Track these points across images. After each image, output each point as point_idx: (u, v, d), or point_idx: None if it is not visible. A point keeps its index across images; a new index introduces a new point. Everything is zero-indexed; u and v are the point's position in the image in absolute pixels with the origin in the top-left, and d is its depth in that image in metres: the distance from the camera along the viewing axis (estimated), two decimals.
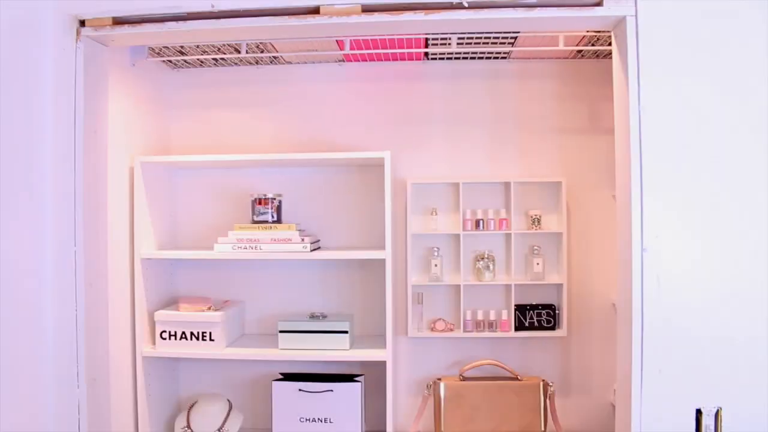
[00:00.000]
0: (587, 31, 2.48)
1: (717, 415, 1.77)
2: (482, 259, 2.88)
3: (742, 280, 1.79)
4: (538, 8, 1.84)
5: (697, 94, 1.79)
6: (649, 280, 1.78)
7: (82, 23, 1.99)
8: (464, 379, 2.81)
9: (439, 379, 2.81)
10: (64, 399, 1.95)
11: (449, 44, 2.67)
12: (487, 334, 2.86)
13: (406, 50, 2.76)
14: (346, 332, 2.65)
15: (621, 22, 1.85)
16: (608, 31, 2.02)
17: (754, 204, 1.79)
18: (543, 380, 2.78)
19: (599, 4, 1.83)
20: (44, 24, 1.95)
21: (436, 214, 2.90)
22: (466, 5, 1.85)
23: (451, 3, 1.85)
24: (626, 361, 1.84)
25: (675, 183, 1.79)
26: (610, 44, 2.30)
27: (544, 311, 2.85)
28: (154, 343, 2.69)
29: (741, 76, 1.79)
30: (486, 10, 1.85)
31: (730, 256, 1.79)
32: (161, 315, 2.65)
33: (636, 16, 1.80)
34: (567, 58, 2.89)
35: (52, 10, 1.97)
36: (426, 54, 2.86)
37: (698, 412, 1.78)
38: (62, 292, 1.96)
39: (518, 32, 2.51)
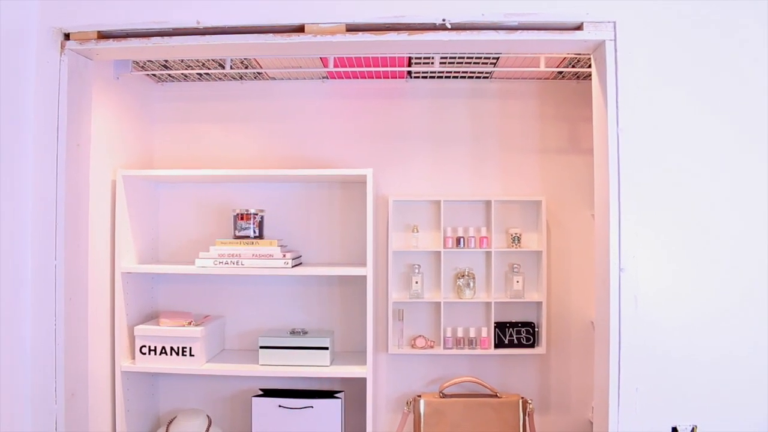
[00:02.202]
0: (568, 53, 2.53)
1: None
2: (463, 276, 2.90)
3: (718, 301, 1.82)
4: (519, 31, 1.88)
5: (674, 117, 1.83)
6: (627, 300, 1.81)
7: (67, 36, 1.99)
8: (444, 396, 2.81)
9: (419, 396, 2.81)
10: (41, 414, 1.93)
11: (432, 63, 2.70)
12: (467, 351, 2.87)
13: (389, 68, 2.79)
14: (326, 348, 2.65)
15: (600, 46, 1.89)
16: (588, 54, 2.05)
17: (730, 227, 1.82)
18: (522, 397, 2.80)
19: (579, 29, 1.87)
20: (28, 36, 1.95)
21: (418, 231, 2.92)
22: (449, 27, 1.88)
23: (435, 24, 1.88)
24: (604, 379, 1.86)
25: (652, 205, 1.83)
26: (590, 66, 2.34)
27: (523, 329, 2.87)
28: (133, 357, 2.67)
29: (719, 100, 1.83)
30: (468, 31, 1.88)
31: (706, 278, 1.82)
32: (141, 329, 2.64)
33: (615, 40, 1.84)
34: (548, 78, 2.93)
35: (36, 23, 1.97)
36: (409, 72, 2.89)
37: (674, 430, 1.80)
38: (41, 305, 1.94)
39: (500, 53, 2.55)
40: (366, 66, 2.75)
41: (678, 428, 1.80)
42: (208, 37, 1.96)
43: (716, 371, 1.82)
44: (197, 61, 2.68)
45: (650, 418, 1.81)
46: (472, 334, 2.88)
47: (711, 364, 1.82)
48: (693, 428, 1.79)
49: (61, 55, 1.98)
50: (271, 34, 1.93)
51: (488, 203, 2.91)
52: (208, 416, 2.77)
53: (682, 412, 1.81)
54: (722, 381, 1.82)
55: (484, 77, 2.93)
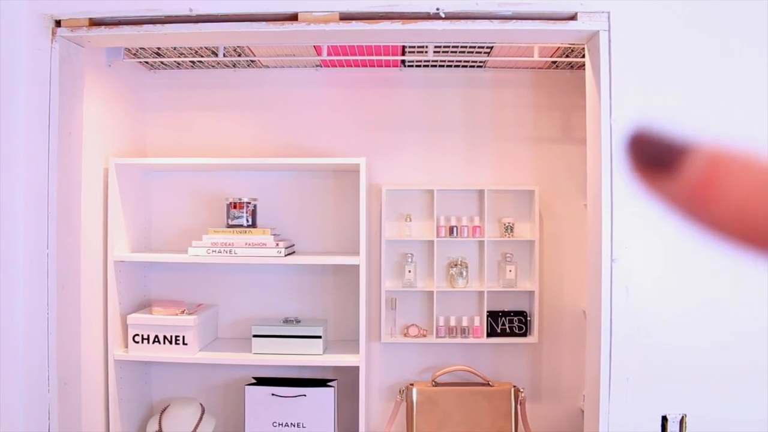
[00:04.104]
0: (561, 43, 2.52)
1: (682, 422, 1.81)
2: (455, 265, 2.91)
3: (709, 292, 1.83)
4: (514, 21, 1.87)
5: (668, 109, 1.83)
6: (618, 290, 1.81)
7: (58, 23, 1.97)
8: (436, 384, 2.83)
9: (412, 385, 2.82)
10: (34, 403, 1.93)
11: (426, 52, 2.69)
12: (459, 340, 2.88)
13: (383, 57, 2.78)
14: (319, 337, 2.65)
15: (594, 36, 1.88)
16: (582, 44, 2.05)
17: None
18: (514, 386, 2.81)
19: (573, 18, 1.86)
20: (18, 23, 1.94)
21: (411, 220, 2.93)
22: (443, 16, 1.87)
23: (428, 13, 1.87)
24: (595, 368, 1.87)
25: (645, 195, 1.83)
26: (583, 56, 2.34)
27: (515, 318, 2.88)
28: (126, 346, 2.67)
29: (713, 92, 1.83)
30: (462, 21, 1.88)
31: (698, 269, 1.83)
32: (134, 318, 2.64)
33: (609, 30, 1.84)
34: (541, 68, 2.93)
35: (26, 10, 1.95)
36: (403, 61, 2.88)
37: (664, 418, 1.81)
38: (33, 295, 1.94)
39: (494, 43, 2.54)
40: (360, 54, 2.74)
41: (668, 417, 1.81)
42: (200, 24, 1.94)
43: (706, 361, 1.83)
44: (190, 48, 2.67)
45: (640, 406, 1.83)
46: (464, 323, 2.89)
47: (701, 354, 1.83)
48: (682, 417, 1.81)
49: (52, 43, 1.96)
50: (264, 22, 1.92)
51: (481, 192, 2.91)
52: (201, 404, 2.78)
53: (672, 401, 1.82)
54: (712, 371, 1.83)
55: (478, 66, 2.92)
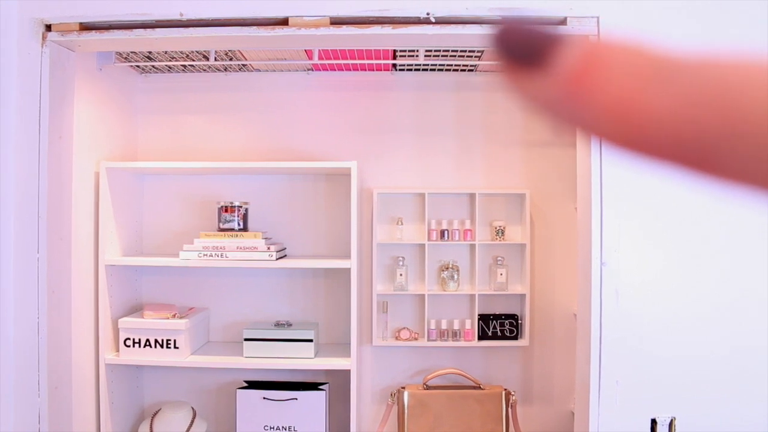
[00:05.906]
0: None
1: (671, 425, 1.82)
2: (447, 269, 2.91)
3: (699, 296, 1.84)
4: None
5: None
6: (608, 294, 1.83)
7: (48, 28, 1.97)
8: (428, 387, 2.83)
9: (403, 388, 2.83)
10: (24, 407, 1.93)
11: (417, 56, 2.70)
12: (450, 343, 2.89)
13: (374, 61, 2.79)
14: (311, 341, 2.65)
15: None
16: None
17: (714, 222, 1.84)
18: (505, 389, 2.82)
19: (563, 23, 1.87)
20: (9, 27, 1.94)
21: (402, 223, 2.93)
22: (434, 20, 1.88)
23: (419, 18, 1.88)
24: (585, 371, 1.88)
25: (635, 199, 1.84)
26: None
27: (507, 321, 2.89)
28: (117, 350, 2.66)
29: None
30: (452, 25, 1.89)
31: (688, 273, 1.84)
32: (125, 322, 2.63)
33: (598, 35, 1.85)
34: None
35: (16, 14, 1.95)
36: (394, 65, 2.89)
37: (653, 422, 1.83)
38: (24, 299, 1.93)
39: (485, 47, 2.55)
40: (351, 58, 2.75)
41: (657, 420, 1.82)
42: (191, 29, 1.94)
43: (696, 365, 1.85)
44: (181, 52, 2.66)
45: (630, 410, 1.84)
46: (456, 326, 2.90)
47: (691, 358, 1.84)
48: (672, 420, 1.82)
49: (42, 47, 1.96)
50: (255, 27, 1.93)
51: (472, 196, 2.92)
52: (192, 408, 2.77)
53: (661, 405, 1.83)
54: (702, 374, 1.84)
55: (469, 70, 2.93)
